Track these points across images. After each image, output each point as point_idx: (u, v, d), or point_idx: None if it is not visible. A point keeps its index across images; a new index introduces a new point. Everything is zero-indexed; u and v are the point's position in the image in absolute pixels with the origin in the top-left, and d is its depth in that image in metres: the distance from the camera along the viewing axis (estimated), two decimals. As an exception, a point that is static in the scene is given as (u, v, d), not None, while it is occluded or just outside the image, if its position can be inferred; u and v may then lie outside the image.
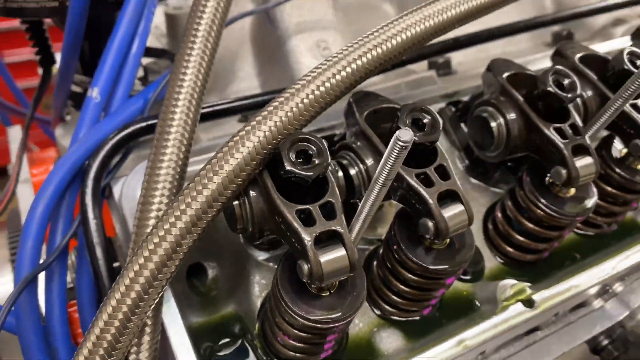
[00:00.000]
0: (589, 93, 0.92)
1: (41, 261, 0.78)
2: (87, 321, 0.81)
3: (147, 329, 0.64)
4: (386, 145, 0.55)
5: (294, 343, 0.70)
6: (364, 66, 0.68)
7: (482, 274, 0.91)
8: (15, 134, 1.71)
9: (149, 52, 1.19)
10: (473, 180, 0.99)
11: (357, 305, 0.66)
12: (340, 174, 0.74)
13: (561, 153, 0.78)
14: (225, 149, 0.62)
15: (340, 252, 0.61)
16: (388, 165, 0.57)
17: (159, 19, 1.43)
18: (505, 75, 0.86)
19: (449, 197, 0.70)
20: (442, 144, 1.00)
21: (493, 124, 0.86)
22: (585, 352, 1.08)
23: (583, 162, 0.78)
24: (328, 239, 0.62)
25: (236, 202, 0.67)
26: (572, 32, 1.44)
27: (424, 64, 1.21)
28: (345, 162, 0.75)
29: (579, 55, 0.94)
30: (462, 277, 0.89)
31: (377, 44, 0.70)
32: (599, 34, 1.44)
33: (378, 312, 0.83)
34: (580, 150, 0.79)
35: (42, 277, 0.80)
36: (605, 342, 1.05)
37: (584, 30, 1.46)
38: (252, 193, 0.66)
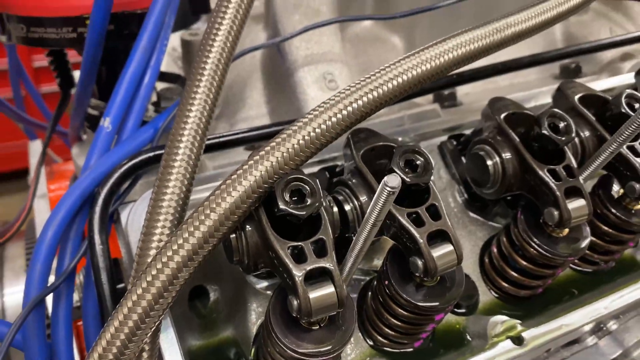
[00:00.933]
0: (587, 133, 0.93)
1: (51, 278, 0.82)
2: (91, 341, 0.85)
3: (145, 354, 0.67)
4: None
5: (285, 373, 0.73)
6: (359, 109, 0.70)
7: (476, 307, 0.93)
8: (36, 148, 1.77)
9: (163, 77, 1.23)
10: (472, 214, 1.01)
11: (345, 339, 0.68)
12: (336, 209, 0.77)
13: (554, 195, 0.80)
14: (223, 186, 0.65)
15: (329, 289, 0.64)
16: (377, 208, 0.59)
17: (176, 41, 1.48)
18: (502, 115, 0.88)
19: (439, 236, 0.72)
20: (443, 177, 1.02)
21: (489, 163, 0.88)
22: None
23: (575, 205, 0.80)
24: (319, 276, 0.65)
25: (233, 235, 0.70)
26: (580, 65, 1.45)
27: (429, 95, 1.24)
28: (340, 197, 0.77)
29: (578, 95, 0.96)
30: (455, 310, 0.91)
31: (378, 86, 0.72)
32: (607, 67, 1.45)
33: (371, 343, 0.85)
34: (573, 192, 0.81)
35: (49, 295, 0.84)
36: (599, 380, 1.05)
37: (593, 64, 1.47)
38: (248, 227, 0.69)
